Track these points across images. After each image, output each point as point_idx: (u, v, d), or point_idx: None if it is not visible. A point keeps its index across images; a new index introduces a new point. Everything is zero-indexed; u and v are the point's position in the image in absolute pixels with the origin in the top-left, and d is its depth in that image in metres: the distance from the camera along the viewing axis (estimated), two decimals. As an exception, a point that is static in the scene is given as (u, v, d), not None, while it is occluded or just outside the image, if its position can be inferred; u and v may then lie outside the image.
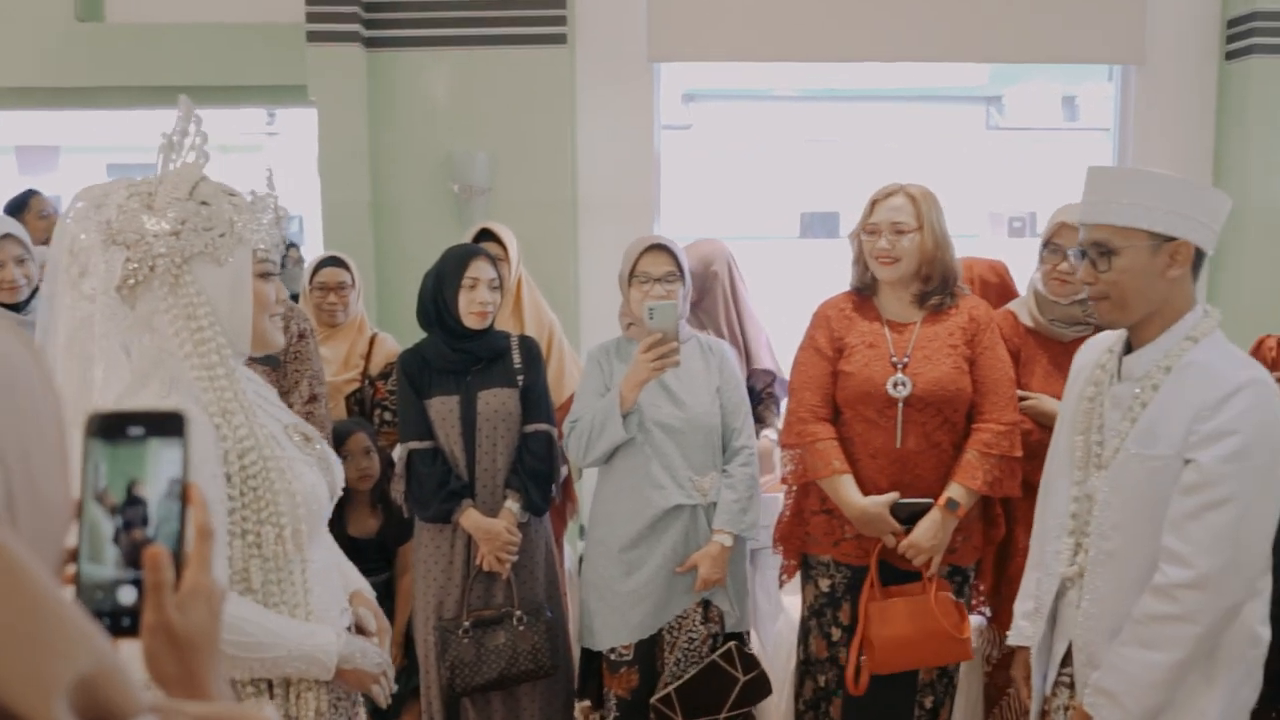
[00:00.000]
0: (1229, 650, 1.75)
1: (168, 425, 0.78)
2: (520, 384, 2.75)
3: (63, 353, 1.45)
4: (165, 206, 1.46)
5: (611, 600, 2.64)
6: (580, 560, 2.99)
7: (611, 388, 2.62)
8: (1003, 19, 4.37)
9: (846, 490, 2.51)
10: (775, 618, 3.41)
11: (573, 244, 4.26)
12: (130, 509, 0.76)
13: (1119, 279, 1.79)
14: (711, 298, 3.26)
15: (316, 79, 3.98)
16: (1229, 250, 4.42)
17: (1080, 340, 2.65)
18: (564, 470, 2.99)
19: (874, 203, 2.59)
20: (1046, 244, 2.71)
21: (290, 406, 2.63)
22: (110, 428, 0.76)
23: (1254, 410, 1.69)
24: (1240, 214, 4.36)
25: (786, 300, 4.00)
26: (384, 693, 1.65)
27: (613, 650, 2.65)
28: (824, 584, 2.64)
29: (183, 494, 0.78)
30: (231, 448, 1.47)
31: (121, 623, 0.76)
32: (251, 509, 1.48)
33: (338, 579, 1.68)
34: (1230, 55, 4.42)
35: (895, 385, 2.50)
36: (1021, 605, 2.05)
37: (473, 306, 2.67)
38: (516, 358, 2.77)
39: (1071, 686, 1.92)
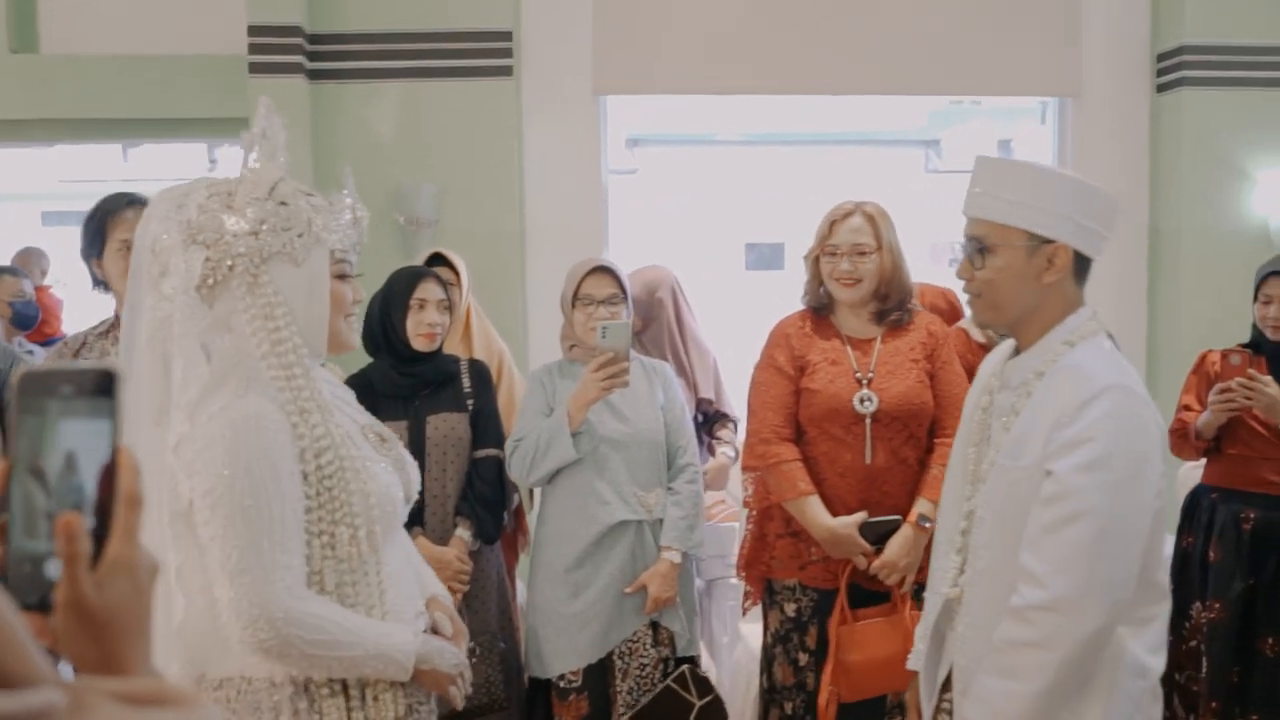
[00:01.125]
0: (1106, 681, 1.58)
1: (99, 384, 0.71)
2: (470, 408, 2.68)
3: (143, 352, 1.46)
4: (244, 206, 1.46)
5: (559, 623, 2.56)
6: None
7: (555, 407, 2.57)
8: (943, 53, 4.45)
9: (814, 511, 2.47)
10: (733, 648, 3.34)
11: (520, 275, 4.22)
12: (60, 477, 0.70)
13: (993, 278, 1.68)
14: (657, 325, 3.23)
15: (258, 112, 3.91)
16: (1167, 275, 4.52)
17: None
18: (515, 498, 2.92)
19: (832, 223, 2.58)
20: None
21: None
22: (40, 389, 0.70)
23: (1113, 417, 1.56)
24: (1176, 239, 4.48)
25: (733, 331, 4.00)
26: (460, 694, 1.61)
27: (562, 677, 2.57)
28: (789, 609, 2.59)
29: (112, 459, 0.71)
30: (308, 446, 1.46)
31: (48, 599, 0.69)
32: (326, 509, 1.47)
33: (414, 581, 1.65)
34: (1161, 88, 4.55)
35: (862, 401, 2.48)
36: (921, 628, 1.93)
37: (420, 328, 2.61)
38: (466, 382, 2.71)
39: (952, 714, 1.80)
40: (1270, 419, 2.75)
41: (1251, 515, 2.83)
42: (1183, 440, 2.96)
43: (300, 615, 1.42)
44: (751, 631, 3.12)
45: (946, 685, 1.82)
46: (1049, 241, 1.65)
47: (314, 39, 4.00)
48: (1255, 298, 2.91)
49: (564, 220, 4.29)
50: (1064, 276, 1.67)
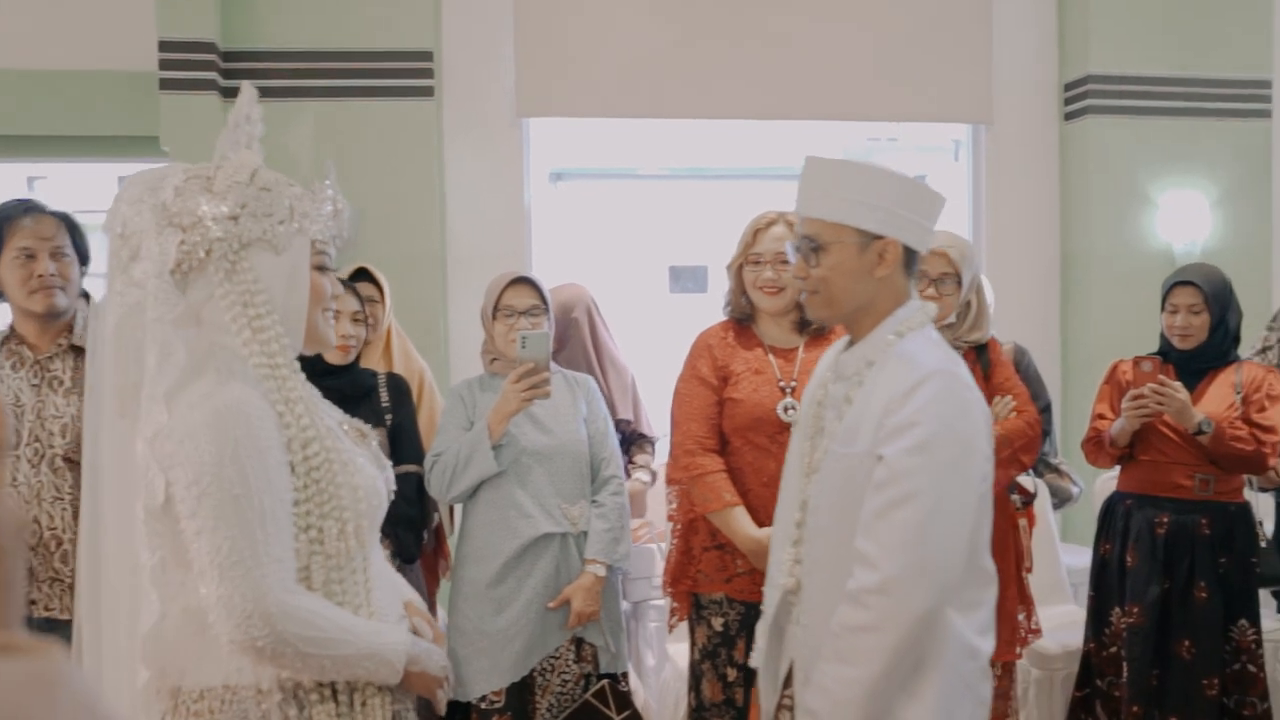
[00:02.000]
0: (937, 662, 1.61)
1: None
2: (388, 423, 2.61)
3: (110, 340, 1.40)
4: (225, 190, 1.41)
5: (480, 643, 2.48)
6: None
7: (476, 421, 2.52)
8: (862, 82, 4.54)
9: (739, 522, 2.45)
10: (660, 670, 3.30)
11: (441, 298, 4.17)
12: None
13: (827, 275, 1.72)
14: (573, 345, 3.20)
15: (169, 129, 3.82)
16: (1078, 295, 4.65)
17: (951, 365, 2.70)
18: (435, 518, 2.85)
19: (755, 232, 2.59)
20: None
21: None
22: None
23: (938, 401, 1.61)
24: (1086, 262, 4.61)
25: (657, 352, 4.00)
26: (446, 698, 1.56)
27: (483, 699, 2.48)
28: (717, 623, 2.55)
29: None
30: (295, 437, 1.40)
31: None
32: (314, 502, 1.41)
33: (391, 584, 1.58)
34: (1068, 116, 4.70)
35: (786, 410, 2.48)
36: (760, 624, 1.91)
37: (334, 339, 2.54)
38: (384, 396, 2.65)
39: (793, 710, 1.79)
40: (1181, 424, 2.82)
41: (1165, 520, 2.89)
42: (1098, 448, 3.02)
43: (295, 610, 1.34)
44: (679, 651, 3.08)
45: (788, 681, 1.81)
46: (879, 237, 1.70)
47: (228, 56, 3.93)
48: (1163, 308, 2.99)
49: (486, 243, 4.25)
50: (894, 270, 1.72)
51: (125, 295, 1.39)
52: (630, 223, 5.63)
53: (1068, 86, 4.70)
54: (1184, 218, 4.54)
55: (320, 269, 1.51)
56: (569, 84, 4.34)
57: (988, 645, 1.69)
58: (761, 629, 1.88)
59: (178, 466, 1.34)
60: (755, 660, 1.91)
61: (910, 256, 1.74)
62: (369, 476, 1.49)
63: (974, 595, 1.66)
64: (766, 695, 1.87)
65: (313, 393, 1.52)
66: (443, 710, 1.59)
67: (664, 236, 5.49)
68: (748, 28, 4.43)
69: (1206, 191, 4.61)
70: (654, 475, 3.30)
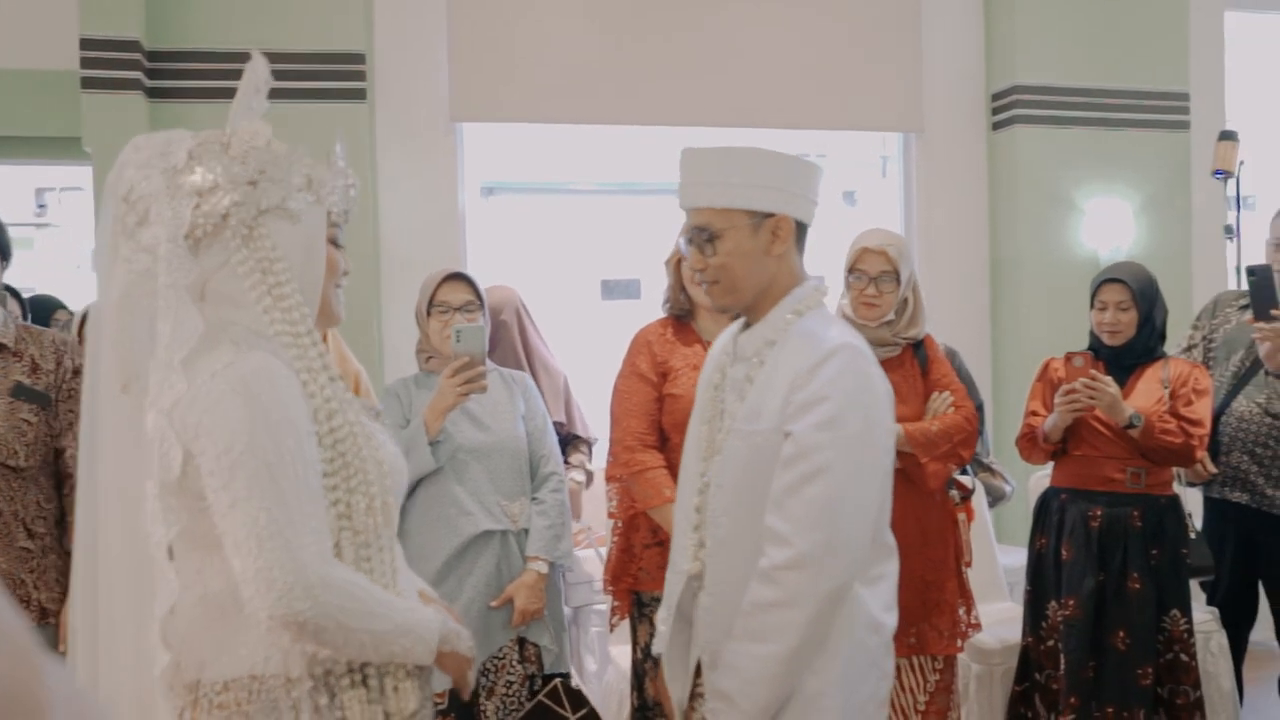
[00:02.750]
0: (841, 636, 1.62)
1: None
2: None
3: (117, 310, 1.34)
4: (243, 155, 1.36)
5: None
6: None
7: (412, 418, 2.47)
8: (794, 90, 4.59)
9: None
10: (603, 674, 3.25)
11: (375, 303, 4.10)
12: None
13: (726, 262, 1.71)
14: (503, 347, 3.17)
15: (92, 129, 3.70)
16: (1009, 298, 4.74)
17: (889, 361, 2.72)
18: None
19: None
20: (851, 270, 2.77)
21: (63, 451, 2.34)
22: None
23: (844, 375, 1.62)
24: (1016, 267, 4.70)
25: (591, 358, 3.99)
26: (474, 682, 1.52)
27: (427, 701, 2.42)
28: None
29: None
30: (320, 407, 1.34)
31: None
32: (341, 475, 1.35)
33: (405, 570, 1.51)
34: (996, 125, 4.80)
35: None
36: (662, 611, 1.87)
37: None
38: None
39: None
40: (1112, 418, 2.87)
41: (1098, 513, 2.93)
42: (1031, 444, 3.06)
43: (335, 581, 1.27)
44: (621, 653, 3.04)
45: (700, 669, 1.77)
46: (770, 215, 1.70)
47: (153, 55, 3.83)
48: (1091, 305, 3.05)
49: (420, 247, 4.19)
50: (789, 248, 1.72)
51: (134, 261, 1.32)
52: (562, 236, 5.64)
53: (995, 97, 4.80)
54: (1109, 224, 4.66)
55: (333, 243, 1.47)
56: (503, 89, 4.31)
57: (891, 619, 1.70)
58: (663, 615, 1.84)
59: (203, 437, 1.27)
60: (658, 647, 1.88)
61: (800, 233, 1.75)
62: (391, 452, 1.45)
63: (877, 570, 1.69)
64: (676, 684, 1.83)
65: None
66: (468, 694, 1.54)
67: (596, 249, 5.50)
68: (681, 36, 4.46)
69: (1130, 199, 4.73)
70: (590, 476, 3.27)
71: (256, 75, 1.42)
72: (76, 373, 2.37)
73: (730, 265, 1.70)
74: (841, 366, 1.62)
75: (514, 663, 2.46)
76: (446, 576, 2.42)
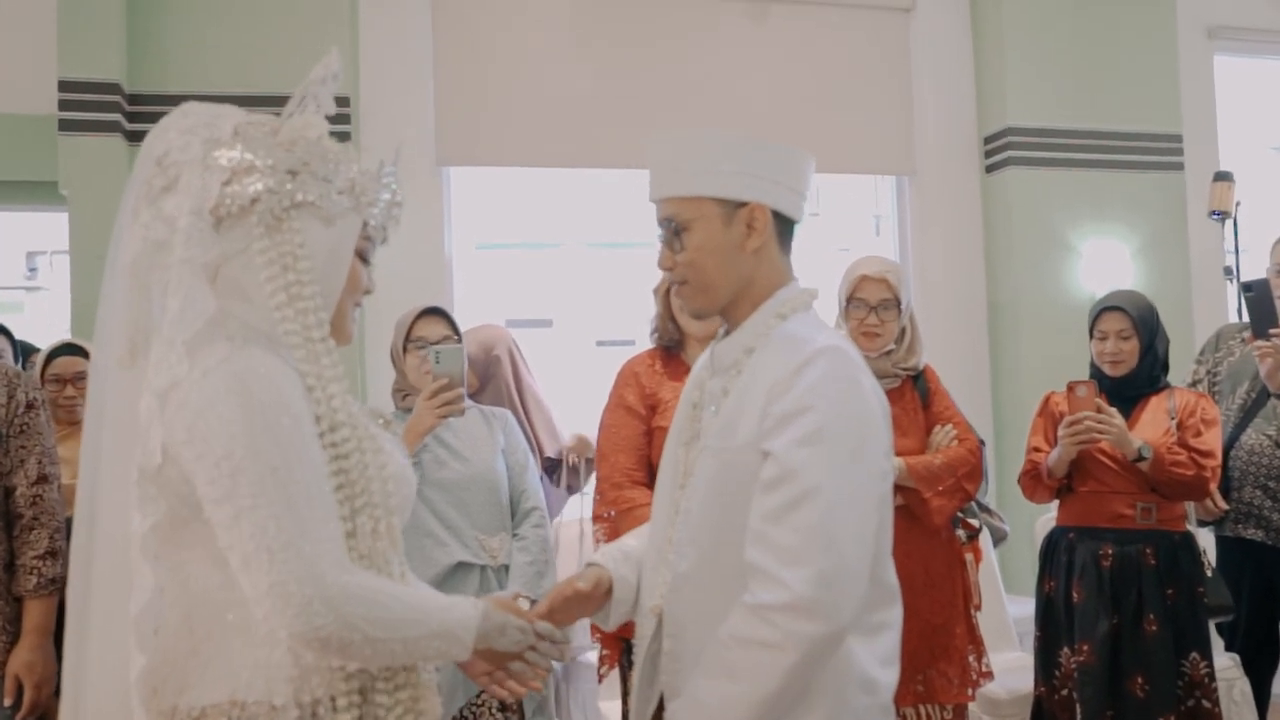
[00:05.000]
0: (829, 693, 1.39)
1: None
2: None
3: (123, 275, 1.26)
4: (290, 142, 1.28)
5: None
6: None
7: None
8: (786, 133, 4.55)
9: None
10: (593, 732, 3.09)
11: (359, 348, 4.01)
12: None
13: (695, 258, 1.50)
14: (495, 384, 3.12)
15: (69, 171, 3.64)
16: (1007, 342, 4.66)
17: (889, 393, 2.62)
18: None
19: None
20: (849, 300, 2.69)
21: (13, 490, 2.22)
22: None
23: (828, 381, 1.39)
24: (1015, 308, 4.62)
25: (584, 403, 3.92)
26: (535, 676, 1.40)
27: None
28: (647, 668, 2.37)
29: None
30: (324, 415, 1.25)
31: None
32: (344, 493, 1.24)
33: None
34: (990, 168, 4.76)
35: None
36: (636, 654, 1.64)
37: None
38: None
39: None
40: (1119, 451, 2.75)
41: (1109, 551, 2.80)
42: (1035, 481, 2.94)
43: (358, 590, 1.18)
44: (612, 709, 2.89)
45: (661, 708, 1.55)
46: (744, 204, 1.50)
47: (134, 99, 3.77)
48: (1091, 336, 2.96)
49: (406, 292, 4.08)
50: (768, 242, 1.52)
51: (151, 229, 1.24)
52: (555, 294, 5.62)
53: (988, 139, 4.77)
54: (1106, 266, 4.59)
55: (362, 257, 1.37)
56: (490, 132, 4.26)
57: (890, 676, 1.46)
58: (637, 659, 1.60)
59: (198, 443, 1.17)
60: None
61: (785, 228, 1.55)
62: (398, 465, 1.34)
63: (876, 617, 1.45)
64: None
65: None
66: (504, 694, 1.42)
67: (589, 307, 5.46)
68: (671, 80, 4.42)
69: (1127, 240, 4.67)
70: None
71: (327, 68, 1.35)
72: (30, 407, 2.26)
73: (700, 261, 1.50)
74: (825, 371, 1.40)
75: (494, 710, 2.32)
76: None
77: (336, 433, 1.25)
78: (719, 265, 1.50)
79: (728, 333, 1.57)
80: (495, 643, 1.32)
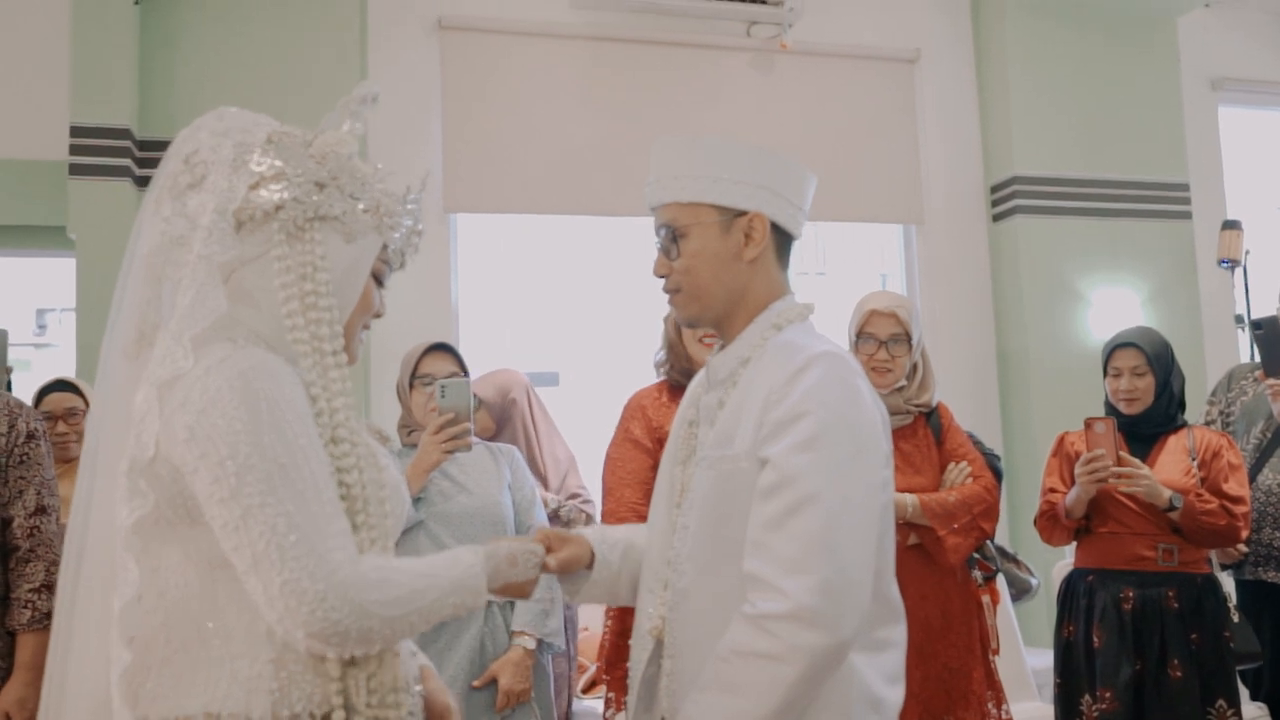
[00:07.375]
0: (833, 711, 1.35)
1: None
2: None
3: (138, 265, 1.26)
4: (322, 155, 1.29)
5: None
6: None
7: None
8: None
9: None
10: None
11: (364, 393, 3.98)
12: None
13: (690, 264, 1.49)
14: (511, 427, 3.11)
15: (78, 216, 3.65)
16: (1019, 387, 4.62)
17: (901, 431, 2.57)
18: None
19: None
20: (859, 335, 2.65)
21: (10, 521, 2.18)
22: None
23: (824, 386, 1.37)
24: (1023, 356, 4.58)
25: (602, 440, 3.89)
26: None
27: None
28: (656, 709, 2.30)
29: None
30: (324, 425, 1.23)
31: None
32: (342, 507, 1.22)
33: None
34: (996, 217, 4.76)
35: None
36: (631, 678, 1.60)
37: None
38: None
39: None
40: (1150, 501, 2.68)
41: (1130, 594, 2.72)
42: (1053, 523, 2.87)
43: (367, 575, 1.16)
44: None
45: None
46: (743, 213, 1.49)
47: (144, 145, 3.80)
48: (1105, 373, 2.91)
49: (412, 339, 4.08)
50: (766, 253, 1.51)
51: (171, 224, 1.24)
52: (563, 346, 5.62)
53: (994, 188, 4.78)
54: (1116, 314, 4.56)
55: (377, 278, 1.37)
56: (496, 180, 4.28)
57: (896, 694, 1.42)
58: (631, 683, 1.56)
59: (199, 443, 1.14)
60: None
61: (783, 241, 1.54)
62: (394, 478, 1.33)
63: (880, 634, 1.42)
64: None
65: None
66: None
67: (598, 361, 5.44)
68: (679, 129, 4.45)
69: (1137, 289, 4.65)
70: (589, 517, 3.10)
71: (365, 90, 1.36)
72: (31, 437, 2.23)
73: (695, 269, 1.49)
74: (822, 376, 1.37)
75: (496, 747, 2.24)
76: (424, 650, 2.21)
77: (337, 447, 1.23)
78: (714, 273, 1.49)
79: (723, 347, 1.55)
80: (509, 575, 1.34)
